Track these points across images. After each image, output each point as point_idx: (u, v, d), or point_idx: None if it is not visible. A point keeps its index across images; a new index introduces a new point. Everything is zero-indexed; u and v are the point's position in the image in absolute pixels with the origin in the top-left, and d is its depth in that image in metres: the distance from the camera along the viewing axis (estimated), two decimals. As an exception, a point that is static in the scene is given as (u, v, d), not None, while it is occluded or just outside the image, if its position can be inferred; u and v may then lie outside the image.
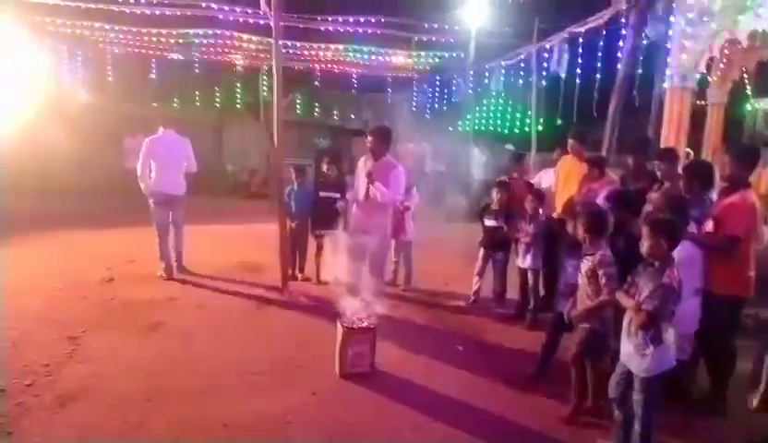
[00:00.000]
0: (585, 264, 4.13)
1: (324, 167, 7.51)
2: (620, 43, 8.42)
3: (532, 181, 7.06)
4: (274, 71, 6.57)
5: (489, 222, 6.59)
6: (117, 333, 5.49)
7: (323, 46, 13.86)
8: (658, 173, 5.23)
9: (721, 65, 9.30)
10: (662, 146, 8.18)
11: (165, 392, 4.37)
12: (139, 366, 4.81)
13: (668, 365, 3.49)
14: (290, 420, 4.06)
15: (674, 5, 7.94)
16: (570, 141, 6.51)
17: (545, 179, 6.99)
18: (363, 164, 5.92)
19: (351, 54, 14.55)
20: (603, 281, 3.98)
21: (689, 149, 8.79)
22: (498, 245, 6.58)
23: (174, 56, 15.25)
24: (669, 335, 3.46)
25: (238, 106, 17.13)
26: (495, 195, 6.60)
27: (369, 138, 5.83)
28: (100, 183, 11.64)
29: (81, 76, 14.97)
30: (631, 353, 3.52)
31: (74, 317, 5.82)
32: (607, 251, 4.09)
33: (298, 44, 13.46)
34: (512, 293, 6.71)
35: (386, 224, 5.88)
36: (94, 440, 3.71)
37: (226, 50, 14.78)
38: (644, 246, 3.47)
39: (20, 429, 3.77)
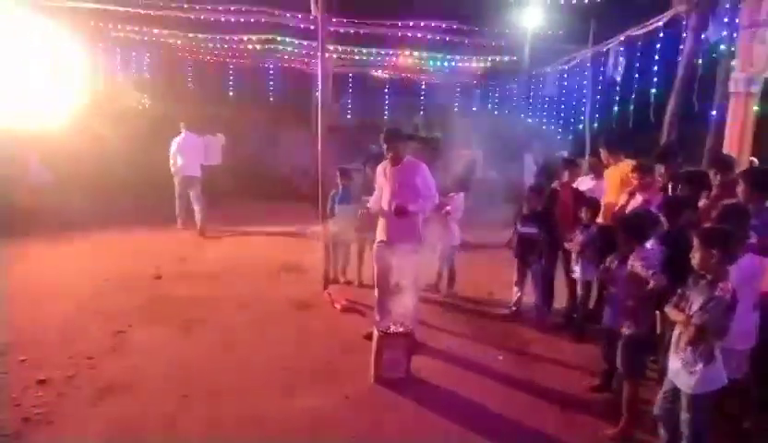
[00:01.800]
0: (624, 269, 4.01)
1: (368, 170, 7.46)
2: (680, 47, 8.07)
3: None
4: (319, 75, 6.60)
5: (523, 229, 6.39)
6: (160, 329, 5.62)
7: (374, 51, 13.88)
8: (715, 181, 4.94)
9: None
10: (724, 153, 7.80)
11: (202, 388, 4.44)
12: (179, 362, 4.90)
13: (719, 383, 3.27)
14: (321, 422, 4.04)
15: (740, 5, 7.54)
16: (601, 150, 6.30)
17: (582, 185, 6.72)
18: (382, 171, 5.49)
19: (403, 59, 14.51)
20: (642, 271, 3.89)
21: (753, 158, 8.32)
22: (531, 253, 6.36)
23: (227, 60, 15.61)
24: (720, 352, 3.24)
25: (291, 109, 17.36)
26: (529, 201, 6.41)
27: (383, 145, 5.27)
28: (154, 182, 11.97)
29: (142, 77, 15.53)
30: (679, 370, 3.33)
31: (120, 311, 6.00)
32: (646, 250, 3.94)
33: (349, 49, 13.53)
34: (560, 301, 6.50)
35: (417, 232, 5.39)
36: (129, 433, 3.78)
37: (279, 54, 15.03)
38: (695, 258, 3.27)
39: (60, 420, 3.88)
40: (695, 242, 3.31)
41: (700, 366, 3.21)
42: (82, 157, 11.45)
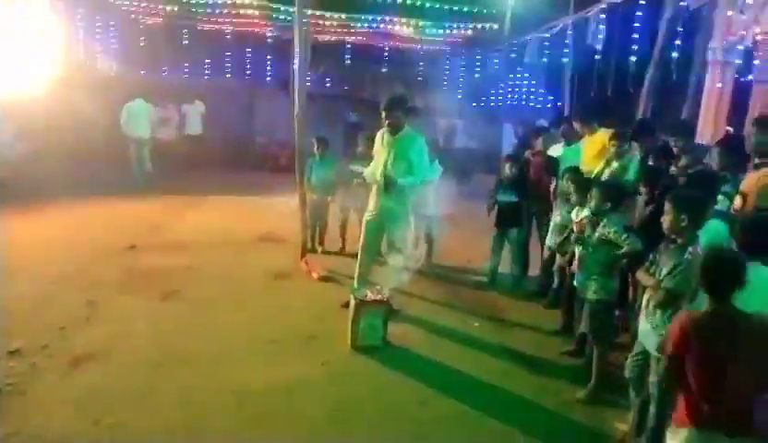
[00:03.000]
0: (596, 232, 4.08)
1: (360, 141, 7.34)
2: (661, 18, 8.03)
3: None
4: (296, 41, 6.45)
5: (502, 197, 6.39)
6: (135, 299, 5.55)
7: (354, 16, 13.63)
8: (675, 150, 5.01)
9: (769, 39, 8.82)
10: (700, 123, 7.86)
11: (177, 358, 4.41)
12: (153, 333, 4.86)
13: None
14: (296, 388, 4.05)
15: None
16: (573, 121, 6.31)
17: (553, 152, 6.73)
18: (380, 139, 5.42)
19: (382, 26, 14.29)
20: (615, 236, 4.02)
21: (730, 128, 8.41)
22: (511, 221, 6.39)
23: (205, 27, 15.26)
24: None
25: (269, 79, 17.09)
26: (507, 169, 6.41)
27: (383, 113, 5.19)
28: (126, 151, 11.79)
29: (110, 45, 15.12)
30: (648, 332, 3.37)
31: (94, 282, 5.91)
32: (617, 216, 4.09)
33: (327, 14, 13.28)
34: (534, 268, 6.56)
35: (407, 205, 5.41)
36: (104, 402, 3.75)
37: (256, 21, 14.72)
38: (665, 222, 3.30)
39: (32, 390, 3.83)
40: (666, 206, 3.34)
41: (667, 328, 3.26)
42: (55, 126, 11.19)
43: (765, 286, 2.73)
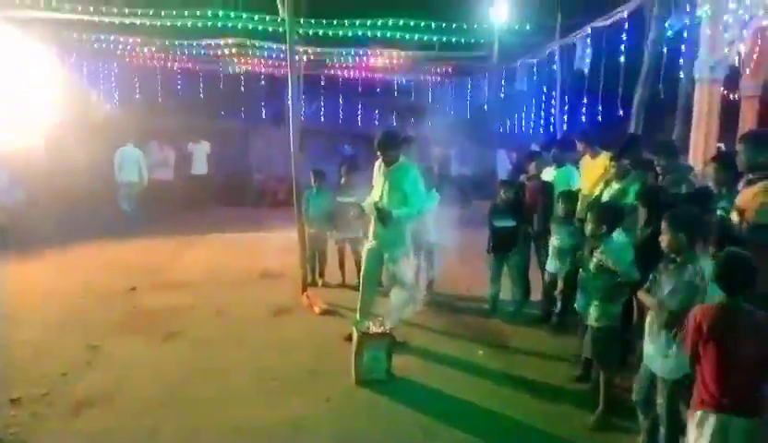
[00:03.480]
0: (594, 258, 4.06)
1: (342, 172, 7.46)
2: (645, 38, 8.18)
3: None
4: (289, 77, 6.54)
5: (498, 223, 6.39)
6: (136, 341, 5.52)
7: (344, 52, 13.85)
8: (658, 169, 5.08)
9: (754, 56, 8.96)
10: (691, 141, 7.93)
11: (180, 399, 4.37)
12: (156, 374, 4.82)
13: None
14: (301, 425, 4.01)
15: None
16: (577, 141, 6.38)
17: (545, 176, 6.79)
18: (378, 170, 5.51)
19: (372, 59, 14.52)
20: (612, 264, 3.99)
21: (720, 144, 8.48)
22: (509, 245, 6.37)
23: (198, 67, 15.49)
24: None
25: (264, 115, 17.27)
26: (502, 194, 6.44)
27: (377, 148, 5.29)
28: (124, 193, 11.90)
29: (106, 89, 15.31)
30: (654, 354, 3.36)
31: (95, 325, 5.88)
32: (616, 239, 4.06)
33: (318, 50, 13.48)
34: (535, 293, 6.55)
35: (405, 235, 5.45)
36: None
37: (249, 59, 14.95)
38: (663, 242, 3.32)
39: (34, 439, 3.79)
40: (663, 225, 3.35)
41: (674, 350, 3.24)
42: (53, 171, 11.25)
43: None
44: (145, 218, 11.62)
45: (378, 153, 5.29)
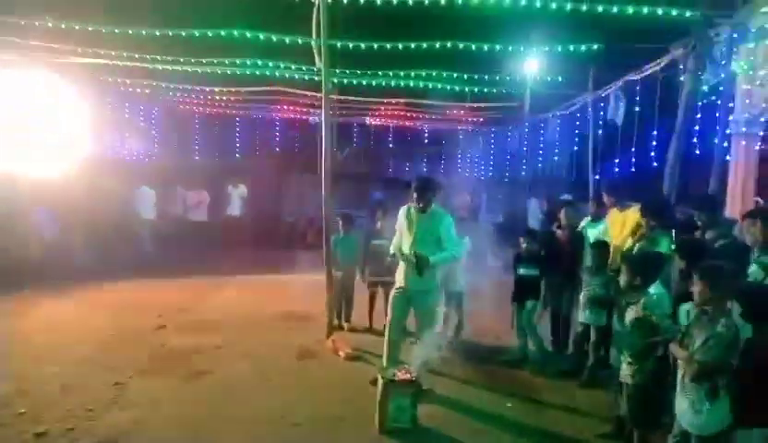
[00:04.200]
0: (629, 313, 3.95)
1: (378, 216, 7.49)
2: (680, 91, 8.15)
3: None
4: (323, 124, 6.68)
5: (521, 271, 6.41)
6: (162, 380, 5.53)
7: (376, 101, 14.12)
8: (699, 223, 5.02)
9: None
10: (728, 195, 7.79)
11: (204, 441, 4.33)
12: (180, 415, 4.80)
13: (727, 422, 3.18)
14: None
15: (734, 48, 7.65)
16: (603, 193, 6.34)
17: (585, 227, 6.75)
18: (405, 215, 5.45)
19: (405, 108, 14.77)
20: (656, 319, 3.86)
21: (758, 198, 8.31)
22: (527, 293, 6.36)
23: (235, 113, 15.98)
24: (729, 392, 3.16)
25: (296, 160, 17.58)
26: (522, 243, 6.45)
27: (414, 192, 5.29)
28: (156, 233, 12.20)
29: (145, 130, 15.86)
30: (686, 409, 3.24)
31: (123, 363, 5.92)
32: (655, 292, 3.90)
33: (351, 98, 13.77)
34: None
35: (435, 281, 5.46)
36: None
37: (285, 106, 15.36)
38: (695, 294, 3.25)
39: (57, 474, 3.78)
40: (695, 278, 3.29)
41: (706, 406, 3.13)
42: (86, 208, 11.57)
43: None
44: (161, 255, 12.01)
45: (415, 197, 5.28)
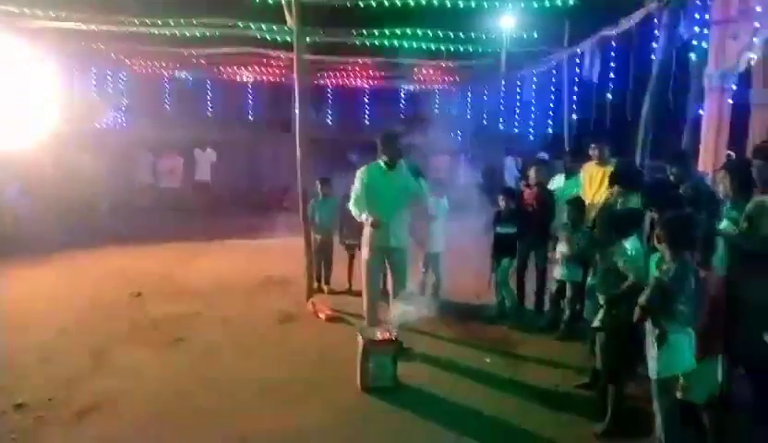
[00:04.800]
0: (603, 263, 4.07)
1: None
2: (654, 45, 8.12)
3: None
4: (296, 86, 6.54)
5: (500, 230, 6.51)
6: (141, 349, 5.48)
7: (351, 61, 13.88)
8: (671, 177, 5.13)
9: (764, 65, 8.90)
10: (701, 149, 7.87)
11: (185, 408, 4.33)
12: (160, 382, 4.79)
13: (680, 369, 3.31)
14: (307, 435, 3.96)
15: (710, 2, 7.64)
16: (593, 147, 6.37)
17: (553, 185, 6.82)
18: (369, 175, 5.34)
19: (380, 68, 14.56)
20: (623, 268, 3.97)
21: (730, 152, 8.42)
22: (504, 251, 6.50)
23: (206, 76, 15.61)
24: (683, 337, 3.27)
25: (271, 123, 17.30)
26: (501, 202, 6.53)
27: (381, 147, 5.31)
28: (131, 201, 11.97)
29: (114, 97, 15.44)
30: (647, 356, 3.38)
31: (100, 332, 5.85)
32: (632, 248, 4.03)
33: (325, 58, 13.51)
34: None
35: (407, 238, 5.50)
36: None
37: (257, 67, 15.02)
38: (657, 243, 3.40)
39: (37, 443, 3.76)
40: (657, 228, 3.49)
41: (655, 350, 3.24)
42: (57, 179, 11.31)
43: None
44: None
45: (381, 149, 5.30)
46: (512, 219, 6.46)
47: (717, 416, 3.56)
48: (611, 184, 5.41)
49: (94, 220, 11.41)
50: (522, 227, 6.49)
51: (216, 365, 5.16)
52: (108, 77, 15.57)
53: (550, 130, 13.89)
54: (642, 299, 3.25)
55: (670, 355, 3.24)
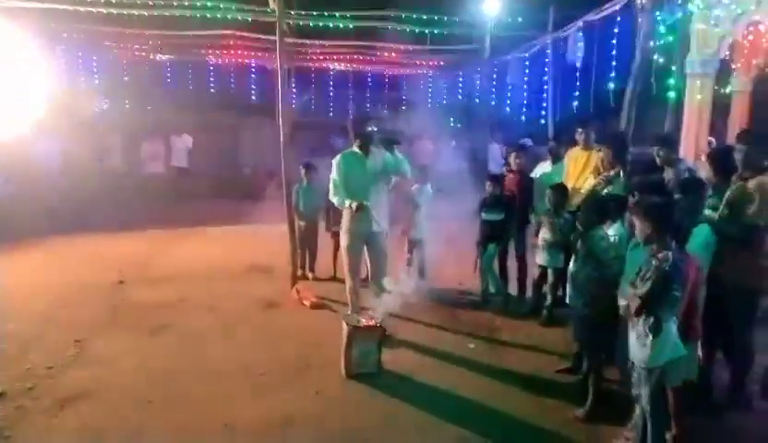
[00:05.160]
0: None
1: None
2: (637, 31, 8.15)
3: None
4: (278, 69, 6.47)
5: (486, 216, 6.49)
6: (124, 336, 5.45)
7: (335, 44, 13.76)
8: (657, 160, 5.17)
9: (744, 51, 8.97)
10: (682, 135, 7.93)
11: (167, 395, 4.32)
12: (143, 369, 4.76)
13: (671, 356, 3.32)
14: (291, 421, 3.97)
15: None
16: (580, 131, 6.38)
17: (538, 170, 6.84)
18: (345, 163, 5.34)
19: (363, 51, 14.45)
20: (602, 253, 4.03)
21: (711, 138, 8.50)
22: (490, 237, 6.48)
23: (191, 59, 15.39)
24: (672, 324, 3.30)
25: (254, 108, 17.09)
26: (488, 188, 6.51)
27: (350, 133, 5.34)
28: (113, 186, 11.77)
29: (94, 81, 15.16)
30: (633, 343, 3.38)
31: (82, 319, 5.80)
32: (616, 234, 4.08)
33: (309, 42, 13.37)
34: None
35: (387, 223, 5.49)
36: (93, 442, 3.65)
37: (240, 51, 14.83)
38: (637, 230, 3.38)
39: (18, 433, 3.73)
40: (636, 215, 3.45)
41: (650, 339, 3.25)
42: (39, 164, 11.12)
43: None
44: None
45: (353, 134, 5.32)
46: (498, 205, 6.45)
47: (682, 399, 3.60)
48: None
49: (76, 207, 11.22)
50: (512, 213, 6.48)
51: (200, 353, 5.13)
52: (87, 61, 15.26)
53: (535, 115, 13.90)
54: (642, 291, 3.21)
55: (663, 343, 3.26)
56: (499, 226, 6.45)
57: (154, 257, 8.50)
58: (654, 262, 3.21)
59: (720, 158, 4.54)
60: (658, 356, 3.26)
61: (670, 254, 3.19)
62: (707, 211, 4.20)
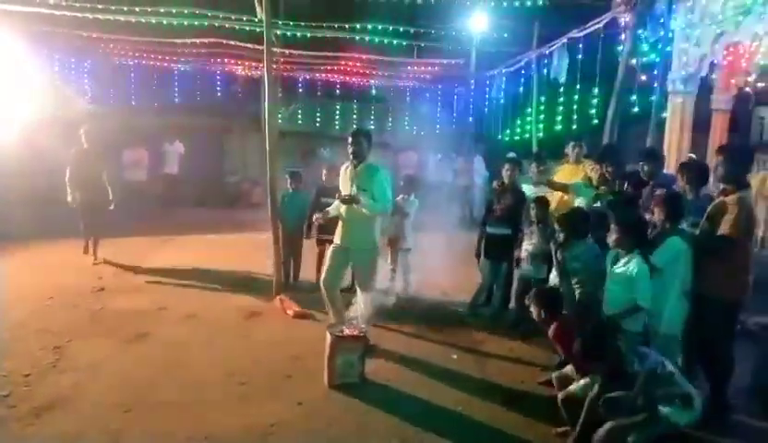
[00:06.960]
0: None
1: (323, 174, 7.37)
2: (620, 48, 8.29)
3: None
4: (265, 78, 6.47)
5: (491, 230, 6.42)
6: (103, 343, 5.37)
7: (323, 55, 13.80)
8: (642, 175, 5.33)
9: (724, 70, 9.16)
10: (664, 152, 8.06)
11: (147, 403, 4.25)
12: (122, 377, 4.69)
13: None
14: (273, 431, 3.93)
15: (673, 6, 7.83)
16: (573, 145, 6.48)
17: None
18: (344, 172, 5.45)
19: (351, 63, 14.52)
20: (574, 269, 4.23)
21: (692, 155, 8.64)
22: (501, 253, 6.37)
23: (178, 67, 15.32)
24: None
25: (240, 116, 17.03)
26: (497, 201, 6.44)
27: (350, 141, 5.29)
28: (95, 193, 11.60)
29: (80, 86, 15.02)
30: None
31: (61, 326, 5.70)
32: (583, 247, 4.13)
33: (296, 52, 13.40)
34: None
35: (371, 236, 5.36)
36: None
37: (227, 60, 14.81)
38: (611, 240, 3.64)
39: (-7, 441, 3.65)
40: (612, 226, 3.82)
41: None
42: (22, 170, 10.95)
43: None
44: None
45: (350, 142, 5.26)
46: (506, 220, 6.30)
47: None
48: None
49: (60, 212, 11.08)
50: (518, 228, 6.35)
51: (180, 361, 5.07)
52: (73, 66, 15.10)
53: (518, 130, 14.01)
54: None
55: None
56: (502, 241, 6.34)
57: (135, 264, 8.39)
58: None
59: (692, 169, 4.75)
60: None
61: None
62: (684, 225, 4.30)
